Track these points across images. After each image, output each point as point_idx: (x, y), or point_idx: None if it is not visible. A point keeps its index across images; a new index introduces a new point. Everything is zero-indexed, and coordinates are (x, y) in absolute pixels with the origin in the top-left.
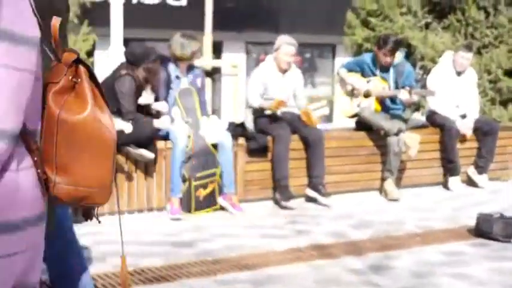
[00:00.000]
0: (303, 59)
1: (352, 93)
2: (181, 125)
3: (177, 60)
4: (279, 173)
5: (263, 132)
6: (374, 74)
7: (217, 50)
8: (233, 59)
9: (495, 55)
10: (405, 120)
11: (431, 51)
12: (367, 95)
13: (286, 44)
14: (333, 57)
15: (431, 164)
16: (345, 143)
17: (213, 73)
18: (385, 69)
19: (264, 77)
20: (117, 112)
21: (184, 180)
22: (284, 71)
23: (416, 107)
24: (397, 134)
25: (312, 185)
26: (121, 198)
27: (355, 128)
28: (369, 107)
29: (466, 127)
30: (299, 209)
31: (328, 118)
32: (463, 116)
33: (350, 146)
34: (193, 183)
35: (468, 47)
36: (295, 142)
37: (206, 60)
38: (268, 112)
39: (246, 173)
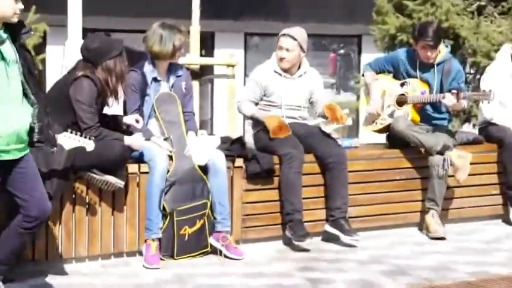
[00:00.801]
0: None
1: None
2: (161, 142)
3: (155, 57)
4: (288, 204)
5: (267, 151)
6: (411, 75)
7: (207, 45)
8: (228, 55)
9: None
10: (452, 134)
11: (486, 44)
12: (400, 102)
13: (281, 36)
14: (359, 52)
15: (487, 192)
16: (374, 165)
17: (203, 74)
18: (425, 67)
19: (264, 78)
20: (75, 126)
21: (164, 215)
22: (292, 72)
23: (467, 116)
24: (441, 153)
25: (333, 220)
26: (80, 239)
27: (388, 144)
28: (405, 117)
29: None
30: (315, 251)
31: (353, 132)
32: None
33: (381, 169)
34: (177, 218)
35: None
36: (310, 164)
37: (193, 58)
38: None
39: (245, 205)
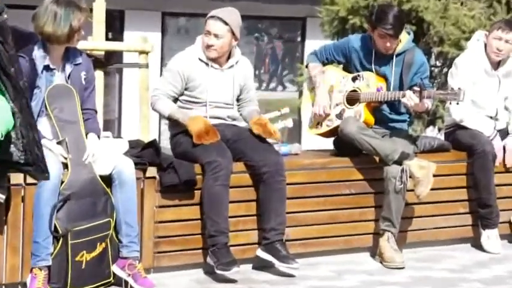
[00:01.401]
0: (254, 43)
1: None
2: (53, 146)
3: (47, 40)
4: (212, 224)
5: (187, 158)
6: (365, 68)
7: (115, 26)
8: (141, 40)
9: None
10: (413, 140)
11: (455, 31)
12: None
13: (209, 19)
14: (302, 38)
15: (454, 210)
16: (318, 176)
17: (108, 63)
18: (382, 59)
19: (187, 68)
20: None
21: (56, 238)
22: (220, 62)
23: (431, 118)
24: (399, 162)
25: (266, 244)
26: None
27: (335, 151)
28: (356, 119)
29: (509, 150)
30: (244, 281)
31: (293, 136)
32: (504, 133)
33: (326, 182)
34: (72, 241)
35: (510, 24)
36: (240, 175)
37: (97, 42)
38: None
39: (158, 225)
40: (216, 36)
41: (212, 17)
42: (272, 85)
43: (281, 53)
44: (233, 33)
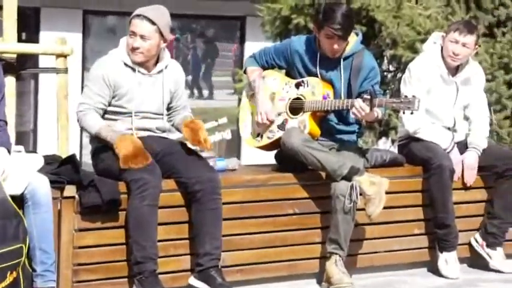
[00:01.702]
0: (186, 44)
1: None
2: None
3: None
4: (139, 249)
5: (111, 175)
6: (310, 73)
7: (29, 25)
8: (59, 41)
9: None
10: (363, 153)
11: (410, 32)
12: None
13: (134, 18)
14: (241, 40)
15: (408, 231)
16: (258, 194)
17: (21, 67)
18: (329, 63)
19: (112, 74)
20: None
21: None
22: (148, 67)
23: (384, 129)
24: (348, 178)
25: (200, 271)
26: None
27: (277, 166)
28: (300, 130)
29: (468, 165)
30: None
31: (231, 149)
32: (463, 145)
33: (267, 200)
34: None
35: (469, 26)
36: (170, 194)
37: (8, 44)
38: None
39: (78, 251)
40: (142, 37)
41: (138, 15)
42: (208, 93)
43: (218, 57)
44: (162, 34)
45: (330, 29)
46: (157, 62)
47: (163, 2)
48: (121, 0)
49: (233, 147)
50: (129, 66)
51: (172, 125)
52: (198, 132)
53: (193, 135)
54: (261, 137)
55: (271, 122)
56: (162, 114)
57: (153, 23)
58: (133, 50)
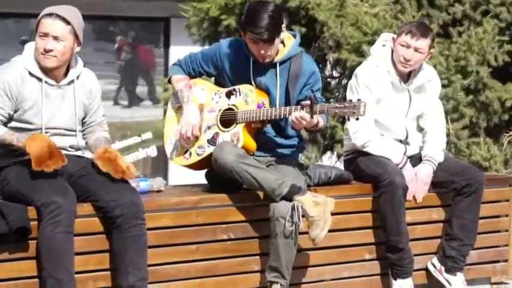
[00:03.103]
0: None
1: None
2: None
3: None
4: (53, 282)
5: (18, 199)
6: (242, 79)
7: None
8: None
9: (475, 39)
10: (305, 169)
11: (355, 33)
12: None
13: (45, 17)
14: (165, 44)
15: (358, 255)
16: (187, 218)
17: None
18: (263, 68)
19: (14, 84)
20: None
21: None
22: (57, 76)
23: (328, 142)
24: (289, 198)
25: None
26: None
27: (208, 187)
28: (233, 144)
29: (420, 179)
30: None
31: (157, 168)
32: (416, 159)
33: (198, 225)
34: None
35: (422, 28)
36: (87, 219)
37: None
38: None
39: None
40: (55, 38)
41: (49, 15)
42: (128, 104)
43: (139, 63)
44: (76, 36)
45: (252, 34)
46: (67, 71)
47: (74, 2)
48: (27, 1)
49: (159, 165)
50: (35, 76)
51: (86, 144)
52: (117, 161)
53: (114, 167)
54: (190, 154)
55: (197, 137)
56: (76, 131)
57: (68, 23)
58: (45, 53)
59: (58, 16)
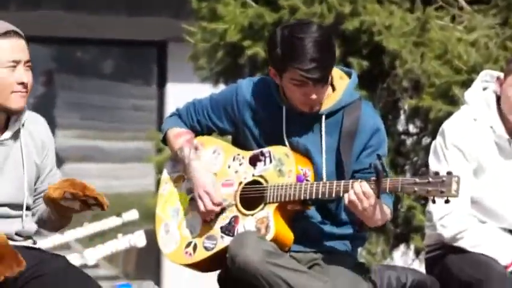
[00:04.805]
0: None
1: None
2: None
3: None
4: None
5: None
6: (274, 139)
7: None
8: None
9: None
10: (366, 273)
11: (443, 69)
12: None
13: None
14: (160, 83)
15: None
16: None
17: None
18: (303, 122)
19: None
20: None
21: None
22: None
23: (401, 232)
24: None
25: None
26: None
27: None
28: (258, 236)
29: None
30: None
31: (145, 265)
32: None
33: None
34: None
35: None
36: None
37: None
38: None
39: None
40: (27, 65)
41: (9, 32)
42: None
43: (120, 108)
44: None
45: (297, 70)
46: (8, 120)
47: (30, 16)
48: None
49: (148, 262)
50: None
51: (38, 222)
52: (83, 186)
53: (81, 191)
54: (194, 247)
55: (223, 209)
56: (23, 208)
57: (27, 42)
58: (23, 88)
59: (16, 33)
